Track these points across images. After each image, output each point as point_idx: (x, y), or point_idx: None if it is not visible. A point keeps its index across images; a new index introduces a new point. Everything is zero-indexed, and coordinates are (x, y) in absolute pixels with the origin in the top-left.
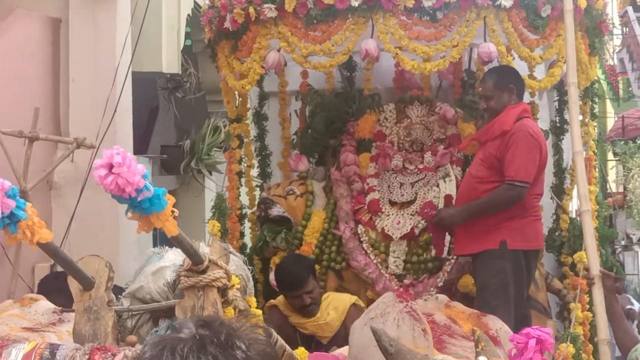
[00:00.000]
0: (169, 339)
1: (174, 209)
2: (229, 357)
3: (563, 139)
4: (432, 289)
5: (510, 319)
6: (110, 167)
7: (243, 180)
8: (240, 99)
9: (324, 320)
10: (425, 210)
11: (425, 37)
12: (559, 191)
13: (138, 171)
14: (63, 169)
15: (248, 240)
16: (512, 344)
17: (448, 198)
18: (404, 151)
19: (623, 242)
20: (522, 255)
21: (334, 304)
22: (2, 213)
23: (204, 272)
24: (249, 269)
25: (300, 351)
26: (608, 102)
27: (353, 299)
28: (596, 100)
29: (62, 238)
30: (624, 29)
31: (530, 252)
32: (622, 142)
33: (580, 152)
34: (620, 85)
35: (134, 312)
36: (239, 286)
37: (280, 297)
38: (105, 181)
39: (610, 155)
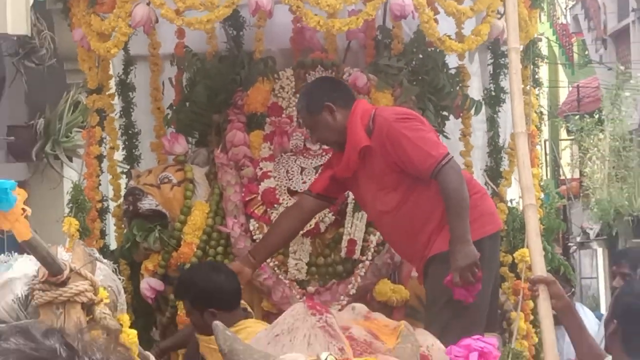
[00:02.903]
0: (24, 357)
1: (25, 207)
2: None
3: (499, 111)
4: (342, 297)
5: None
6: None
7: (105, 165)
8: (100, 65)
9: None
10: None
11: None
12: (495, 175)
13: None
14: None
15: (112, 241)
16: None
17: None
18: (305, 128)
19: (579, 239)
20: (480, 247)
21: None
22: None
23: (64, 284)
24: (118, 278)
25: None
26: (560, 68)
27: None
28: (539, 62)
29: None
30: None
31: (488, 239)
32: (577, 117)
33: (522, 133)
34: (575, 49)
35: None
36: (108, 301)
37: None
38: None
39: (563, 134)
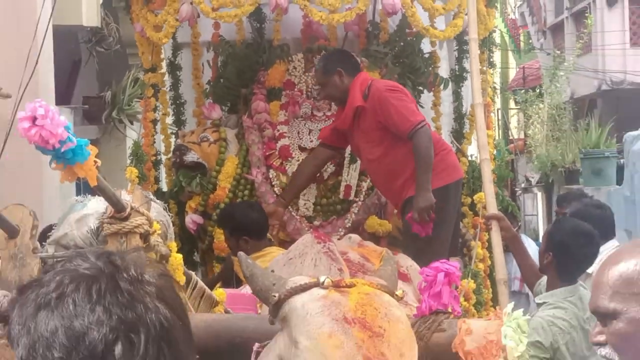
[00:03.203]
0: (79, 275)
1: (97, 159)
2: (144, 294)
3: (462, 86)
4: (340, 229)
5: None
6: (34, 119)
7: (158, 127)
8: (154, 50)
9: None
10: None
11: None
12: (459, 136)
13: (61, 123)
14: None
15: (164, 185)
16: (421, 278)
17: None
18: (312, 99)
19: (523, 185)
20: (446, 191)
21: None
22: None
23: (126, 219)
24: (168, 214)
25: (219, 292)
26: (510, 53)
27: None
28: (493, 49)
29: None
30: None
31: (453, 185)
32: (523, 91)
33: (480, 104)
34: (522, 38)
35: (58, 259)
36: (160, 232)
37: None
38: (29, 133)
39: (512, 104)
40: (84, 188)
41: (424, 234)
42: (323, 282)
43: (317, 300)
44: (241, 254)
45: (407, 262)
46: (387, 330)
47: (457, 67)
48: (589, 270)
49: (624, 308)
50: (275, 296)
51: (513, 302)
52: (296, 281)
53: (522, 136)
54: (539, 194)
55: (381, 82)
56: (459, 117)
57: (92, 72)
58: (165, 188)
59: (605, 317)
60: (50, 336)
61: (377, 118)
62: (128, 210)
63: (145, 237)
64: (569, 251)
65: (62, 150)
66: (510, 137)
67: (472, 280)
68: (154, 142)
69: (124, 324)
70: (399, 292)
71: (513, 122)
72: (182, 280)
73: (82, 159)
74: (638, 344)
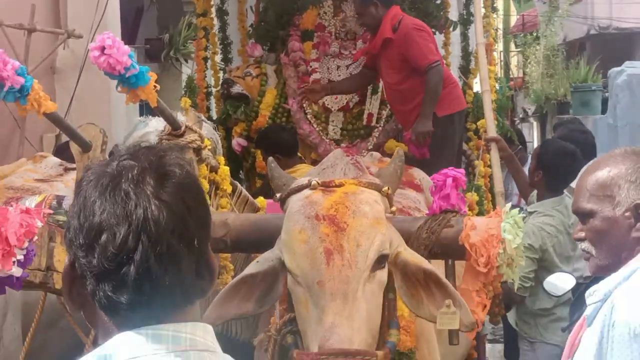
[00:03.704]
0: (99, 172)
1: (156, 84)
2: (139, 193)
3: (469, 28)
4: (363, 151)
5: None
6: (103, 49)
7: (209, 64)
8: None
9: None
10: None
11: None
12: (466, 71)
13: (126, 51)
14: (63, 55)
15: (213, 113)
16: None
17: None
18: (340, 40)
19: (521, 116)
20: (451, 119)
21: None
22: (14, 87)
23: (181, 135)
24: (217, 133)
25: (260, 200)
26: (511, 2)
27: None
28: None
29: (64, 114)
30: None
31: (457, 114)
32: (522, 35)
33: (482, 43)
34: None
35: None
36: (210, 147)
37: None
38: (98, 60)
39: (512, 47)
40: (146, 110)
41: (419, 156)
42: (310, 183)
43: (300, 200)
44: (270, 159)
45: (420, 175)
46: (349, 225)
47: (464, 11)
48: (573, 185)
49: (599, 208)
50: (277, 196)
51: (510, 203)
52: (297, 182)
53: (521, 74)
54: (535, 124)
55: (410, 19)
56: (465, 55)
57: (153, 17)
58: (214, 116)
59: (584, 216)
60: (70, 220)
61: (400, 50)
62: (183, 128)
63: (197, 151)
64: (556, 169)
65: (127, 75)
66: (511, 76)
67: (475, 194)
68: (205, 77)
69: (113, 218)
70: (385, 189)
71: (513, 63)
72: (229, 189)
73: (144, 83)
74: (609, 238)
